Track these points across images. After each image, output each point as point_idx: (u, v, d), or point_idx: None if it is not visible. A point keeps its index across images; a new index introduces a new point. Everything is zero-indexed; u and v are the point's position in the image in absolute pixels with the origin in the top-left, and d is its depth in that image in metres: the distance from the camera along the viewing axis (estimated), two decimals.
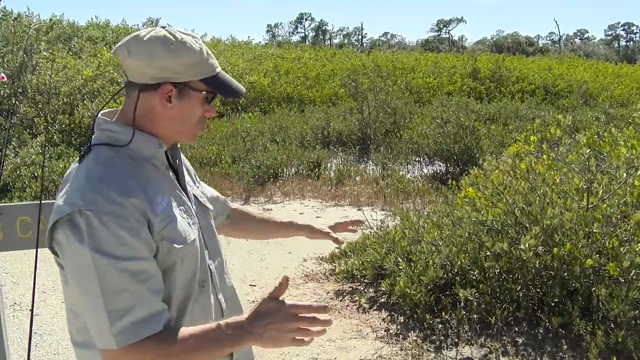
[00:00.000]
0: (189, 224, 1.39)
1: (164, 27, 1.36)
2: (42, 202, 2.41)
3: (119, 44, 1.35)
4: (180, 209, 1.39)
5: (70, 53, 17.83)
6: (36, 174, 8.56)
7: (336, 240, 1.99)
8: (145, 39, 1.31)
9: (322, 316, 1.28)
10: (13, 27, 13.32)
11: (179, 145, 1.53)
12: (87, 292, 1.21)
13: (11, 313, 4.55)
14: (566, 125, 4.43)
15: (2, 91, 10.80)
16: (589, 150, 4.22)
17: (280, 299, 1.30)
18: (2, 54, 11.59)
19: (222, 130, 13.41)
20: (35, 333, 4.16)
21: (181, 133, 1.41)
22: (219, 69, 1.39)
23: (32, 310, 2.41)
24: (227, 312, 1.50)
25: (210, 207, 1.60)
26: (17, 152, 9.16)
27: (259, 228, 1.97)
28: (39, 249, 2.33)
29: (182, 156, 1.57)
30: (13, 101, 10.80)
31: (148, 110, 1.35)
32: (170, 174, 1.44)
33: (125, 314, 1.20)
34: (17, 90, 11.86)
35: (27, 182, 8.35)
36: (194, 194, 1.52)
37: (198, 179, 1.69)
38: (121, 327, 1.20)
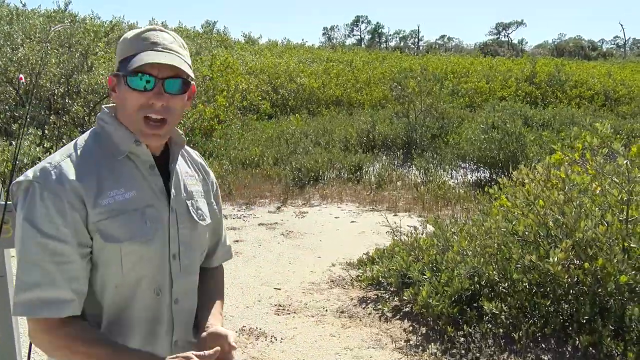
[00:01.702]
0: (145, 225, 1.36)
1: (156, 25, 1.45)
2: None
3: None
4: (140, 209, 1.36)
5: None
6: None
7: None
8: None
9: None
10: (70, 29, 13.78)
11: (188, 150, 1.57)
12: (16, 256, 1.29)
13: None
14: (604, 134, 4.20)
15: (56, 90, 11.20)
16: (626, 161, 3.97)
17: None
18: (59, 55, 12.00)
19: (269, 132, 13.53)
20: None
21: (130, 124, 1.38)
22: (143, 50, 1.35)
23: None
24: (177, 331, 1.47)
25: (203, 222, 1.53)
26: None
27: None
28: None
29: (197, 163, 1.60)
30: (66, 100, 11.16)
31: (116, 103, 1.42)
32: (154, 174, 1.42)
33: (32, 287, 1.25)
34: (72, 90, 12.27)
35: None
36: (186, 203, 1.48)
37: (212, 196, 1.63)
38: (22, 299, 1.25)
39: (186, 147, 1.57)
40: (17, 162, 2.38)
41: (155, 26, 1.42)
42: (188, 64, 1.39)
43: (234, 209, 8.04)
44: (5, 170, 7.38)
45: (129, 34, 1.40)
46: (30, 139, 8.66)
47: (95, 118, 1.45)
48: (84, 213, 1.29)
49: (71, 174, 1.30)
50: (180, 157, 1.53)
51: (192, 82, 1.43)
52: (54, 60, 11.43)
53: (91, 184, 1.31)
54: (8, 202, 2.19)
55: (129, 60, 1.35)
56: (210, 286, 1.63)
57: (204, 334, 1.43)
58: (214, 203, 1.63)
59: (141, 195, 1.38)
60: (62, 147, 1.41)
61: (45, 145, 8.45)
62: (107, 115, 1.42)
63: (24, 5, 16.96)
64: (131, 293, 1.36)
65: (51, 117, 10.75)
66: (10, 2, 19.23)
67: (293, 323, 4.39)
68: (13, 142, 8.73)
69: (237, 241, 6.48)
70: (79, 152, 1.36)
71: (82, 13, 34.47)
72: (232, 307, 4.68)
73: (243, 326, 4.32)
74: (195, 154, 1.64)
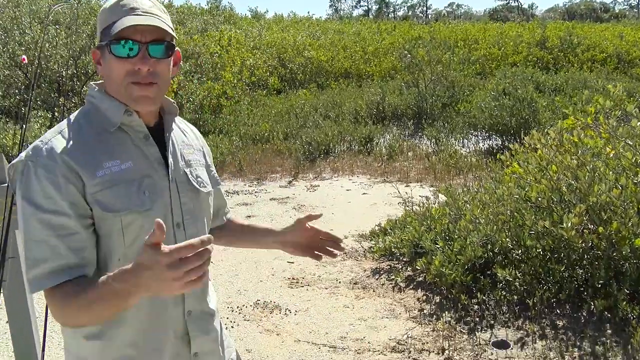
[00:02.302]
0: (144, 195, 1.34)
1: None
2: None
3: None
4: (137, 180, 1.35)
5: None
6: None
7: (317, 257, 1.72)
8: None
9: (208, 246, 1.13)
10: (77, 10, 13.71)
11: (177, 121, 1.53)
12: (20, 236, 1.31)
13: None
14: (617, 96, 4.11)
15: (64, 72, 11.20)
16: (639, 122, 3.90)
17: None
18: (66, 36, 11.98)
19: (278, 107, 13.46)
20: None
21: (119, 94, 1.36)
22: (123, 17, 1.31)
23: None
24: (189, 301, 1.44)
25: (204, 190, 1.51)
26: None
27: (243, 237, 1.80)
28: None
29: (189, 132, 1.58)
30: (74, 81, 11.18)
31: (103, 76, 1.40)
32: (149, 144, 1.40)
33: (40, 263, 1.25)
34: (80, 71, 12.27)
35: None
36: (184, 171, 1.46)
37: (210, 162, 1.63)
38: (32, 275, 1.26)
39: (178, 117, 1.55)
40: (26, 144, 2.36)
41: None
42: (170, 27, 1.36)
43: (245, 185, 8.05)
44: (19, 152, 7.44)
45: (107, 3, 1.36)
46: (40, 121, 8.69)
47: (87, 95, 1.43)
48: (81, 185, 1.28)
49: (63, 149, 1.29)
50: (175, 127, 1.51)
51: (177, 48, 1.41)
52: (61, 42, 11.41)
53: (85, 157, 1.30)
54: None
55: (110, 28, 1.32)
56: (241, 224, 1.78)
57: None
58: (213, 170, 1.63)
59: (138, 166, 1.36)
60: None
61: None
62: (94, 91, 1.41)
63: None
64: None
65: (60, 100, 10.76)
66: None
67: (307, 295, 4.41)
68: (23, 125, 8.79)
69: (249, 216, 6.50)
70: (70, 128, 1.35)
71: None
72: (246, 281, 4.71)
73: (257, 300, 4.35)
74: (186, 123, 1.63)
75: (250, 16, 34.41)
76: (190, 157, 1.51)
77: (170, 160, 1.43)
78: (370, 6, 75.94)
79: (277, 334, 3.84)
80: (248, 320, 4.04)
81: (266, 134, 10.83)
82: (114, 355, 1.37)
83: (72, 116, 1.40)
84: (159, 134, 1.44)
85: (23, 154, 1.30)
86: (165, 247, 1.09)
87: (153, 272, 1.10)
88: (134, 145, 1.38)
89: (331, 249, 1.71)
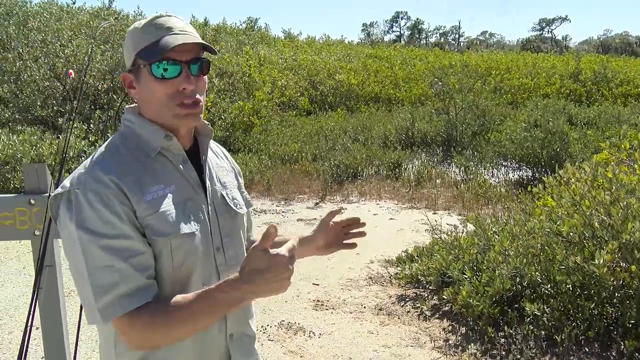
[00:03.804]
0: (189, 218, 1.36)
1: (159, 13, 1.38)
2: None
3: None
4: (181, 203, 1.36)
5: None
6: None
7: (350, 246, 1.81)
8: (128, 30, 1.38)
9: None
10: (117, 26, 14.06)
11: (212, 145, 1.53)
12: (75, 268, 1.26)
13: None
14: None
15: (100, 86, 11.46)
16: None
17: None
18: (102, 51, 12.27)
19: (307, 128, 13.56)
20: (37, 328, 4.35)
21: (160, 116, 1.36)
22: (162, 37, 1.31)
23: (31, 306, 2.44)
24: (230, 324, 1.47)
25: (241, 211, 1.54)
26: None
27: None
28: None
29: (220, 154, 1.59)
30: (110, 95, 11.42)
31: (138, 99, 1.39)
32: (188, 168, 1.41)
33: (110, 289, 1.23)
34: (117, 85, 12.53)
35: None
36: (221, 194, 1.48)
37: (241, 182, 1.65)
38: (106, 302, 1.23)
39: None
40: (64, 155, 2.41)
41: (162, 13, 1.37)
42: (209, 45, 1.38)
43: (272, 204, 8.10)
44: (53, 162, 7.60)
45: (139, 24, 1.35)
46: (76, 132, 8.89)
47: (121, 120, 1.42)
48: (132, 208, 1.28)
49: (108, 173, 1.28)
50: (209, 149, 1.51)
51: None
52: (99, 57, 11.70)
53: (132, 181, 1.30)
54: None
55: (149, 50, 1.30)
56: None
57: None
58: (244, 191, 1.64)
59: (180, 189, 1.37)
60: (106, 140, 1.41)
61: (90, 139, 8.67)
62: (131, 115, 1.39)
63: (74, 2, 17.32)
64: (182, 289, 1.34)
65: (96, 112, 11.01)
66: (59, 0, 19.73)
67: (331, 319, 4.41)
68: (60, 136, 8.98)
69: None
70: (109, 154, 1.34)
71: (127, 10, 35.13)
72: (270, 301, 4.72)
73: (282, 320, 4.35)
74: (216, 144, 1.63)
75: (283, 37, 34.84)
76: (225, 179, 1.53)
77: (208, 183, 1.44)
78: (402, 32, 76.36)
79: (301, 356, 3.83)
80: (272, 341, 4.05)
81: (295, 155, 10.91)
82: None
83: (109, 143, 1.37)
84: (195, 157, 1.45)
85: (67, 183, 1.28)
86: (280, 250, 1.22)
87: (272, 274, 1.20)
88: (174, 169, 1.39)
89: (357, 231, 1.80)
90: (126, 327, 1.24)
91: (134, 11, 24.56)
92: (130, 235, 1.26)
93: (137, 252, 1.27)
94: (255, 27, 35.13)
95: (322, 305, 4.66)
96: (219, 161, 1.57)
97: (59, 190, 1.28)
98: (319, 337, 4.09)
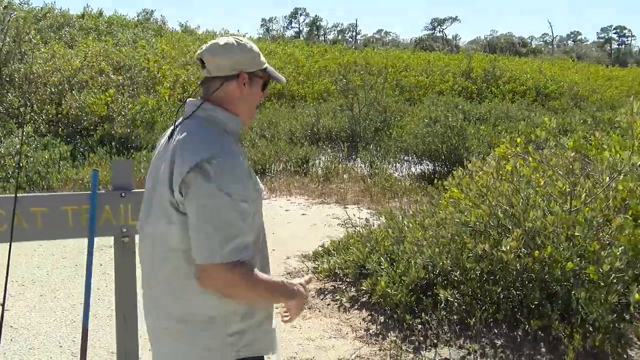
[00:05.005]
0: (258, 185, 1.80)
1: (229, 35, 1.89)
2: (18, 195, 2.38)
3: (203, 49, 1.82)
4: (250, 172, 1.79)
5: (62, 42, 17.67)
6: (21, 164, 8.47)
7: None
8: (222, 44, 1.80)
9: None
10: (2, 15, 13.14)
11: None
12: (208, 219, 1.61)
13: None
14: (551, 128, 4.42)
15: None
16: (572, 154, 4.20)
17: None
18: None
19: None
20: (10, 327, 4.11)
21: (245, 113, 1.85)
22: (265, 63, 1.87)
23: (3, 305, 2.38)
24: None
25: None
26: (2, 141, 9.06)
27: None
28: (13, 243, 2.31)
29: None
30: None
31: (229, 95, 1.81)
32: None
33: (232, 239, 1.61)
34: (5, 79, 11.73)
35: (10, 173, 8.25)
36: None
37: None
38: (228, 249, 1.61)
39: None
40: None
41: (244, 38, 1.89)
42: None
43: None
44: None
45: (254, 47, 1.85)
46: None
47: (188, 108, 1.82)
48: (249, 175, 1.72)
49: (234, 149, 1.73)
50: None
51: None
52: None
53: (243, 154, 1.78)
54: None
55: (266, 70, 1.86)
56: None
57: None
58: None
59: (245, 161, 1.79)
60: None
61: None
62: (217, 108, 1.79)
63: None
64: (257, 239, 1.79)
65: None
66: None
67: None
68: None
69: None
70: (218, 134, 1.74)
71: None
72: None
73: None
74: None
75: (180, 31, 33.95)
76: None
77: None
78: (301, 28, 76.91)
79: None
80: None
81: None
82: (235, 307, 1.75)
83: (198, 125, 1.75)
84: None
85: (205, 154, 1.63)
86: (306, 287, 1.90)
87: (302, 300, 1.86)
88: (241, 150, 1.83)
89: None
90: (227, 271, 1.61)
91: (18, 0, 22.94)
92: (250, 201, 1.67)
93: (250, 214, 1.68)
94: (152, 19, 34.03)
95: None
96: None
97: (192, 163, 1.62)
98: None
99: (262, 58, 1.85)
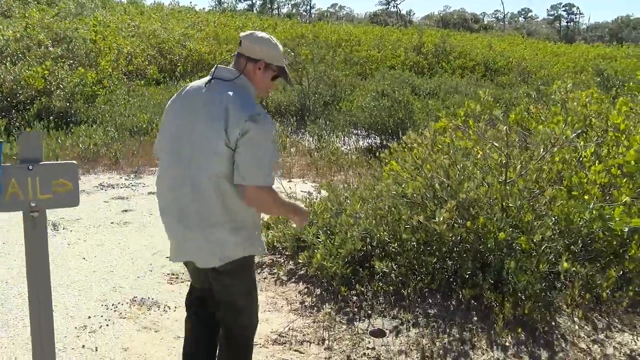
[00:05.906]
0: None
1: (266, 33, 2.60)
2: None
3: (245, 34, 2.50)
4: None
5: None
6: None
7: None
8: (259, 36, 2.50)
9: None
10: None
11: None
12: (258, 154, 2.31)
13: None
14: (486, 101, 4.43)
15: None
16: (505, 127, 4.23)
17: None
18: None
19: (157, 98, 13.01)
20: None
21: (259, 88, 2.54)
22: (286, 64, 2.59)
23: None
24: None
25: None
26: None
27: None
28: None
29: None
30: None
31: (249, 72, 2.49)
32: None
33: (270, 170, 2.35)
34: None
35: None
36: None
37: None
38: (271, 177, 2.36)
39: None
40: None
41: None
42: None
43: (121, 178, 7.70)
44: None
45: (280, 48, 2.56)
46: None
47: (222, 72, 2.47)
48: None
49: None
50: None
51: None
52: None
53: None
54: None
55: (283, 68, 2.56)
56: None
57: None
58: None
59: None
60: None
61: None
62: (244, 79, 2.47)
63: None
64: None
65: None
66: None
67: (187, 291, 4.30)
68: None
69: (126, 211, 6.24)
70: (252, 97, 2.48)
71: None
72: (122, 277, 4.52)
73: (134, 297, 4.19)
74: None
75: (126, 2, 32.85)
76: None
77: None
78: (254, 1, 75.58)
79: (156, 331, 3.72)
80: (125, 318, 3.88)
81: (145, 126, 10.44)
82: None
83: (237, 88, 2.42)
84: None
85: (257, 110, 2.35)
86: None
87: (303, 215, 2.61)
88: None
89: None
90: (265, 195, 2.36)
91: None
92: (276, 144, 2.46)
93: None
94: None
95: (177, 278, 4.55)
96: None
97: (252, 113, 2.31)
98: (175, 311, 4.00)
99: (283, 60, 2.55)
